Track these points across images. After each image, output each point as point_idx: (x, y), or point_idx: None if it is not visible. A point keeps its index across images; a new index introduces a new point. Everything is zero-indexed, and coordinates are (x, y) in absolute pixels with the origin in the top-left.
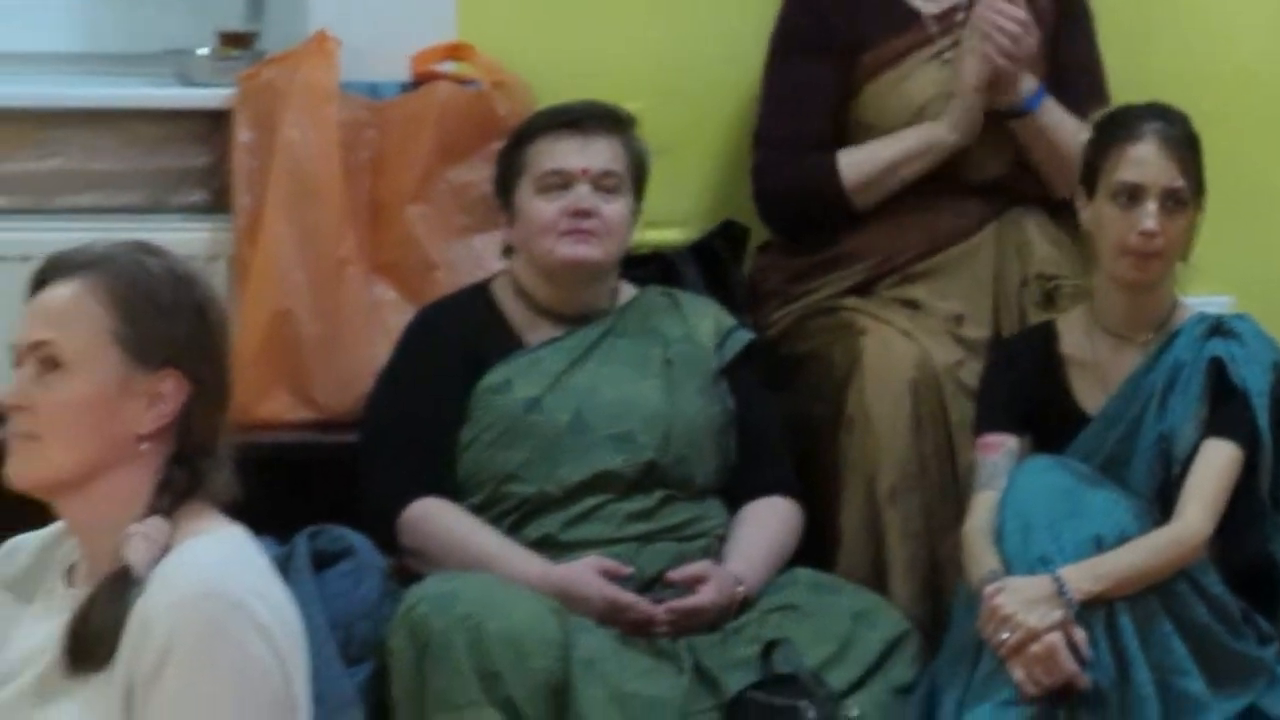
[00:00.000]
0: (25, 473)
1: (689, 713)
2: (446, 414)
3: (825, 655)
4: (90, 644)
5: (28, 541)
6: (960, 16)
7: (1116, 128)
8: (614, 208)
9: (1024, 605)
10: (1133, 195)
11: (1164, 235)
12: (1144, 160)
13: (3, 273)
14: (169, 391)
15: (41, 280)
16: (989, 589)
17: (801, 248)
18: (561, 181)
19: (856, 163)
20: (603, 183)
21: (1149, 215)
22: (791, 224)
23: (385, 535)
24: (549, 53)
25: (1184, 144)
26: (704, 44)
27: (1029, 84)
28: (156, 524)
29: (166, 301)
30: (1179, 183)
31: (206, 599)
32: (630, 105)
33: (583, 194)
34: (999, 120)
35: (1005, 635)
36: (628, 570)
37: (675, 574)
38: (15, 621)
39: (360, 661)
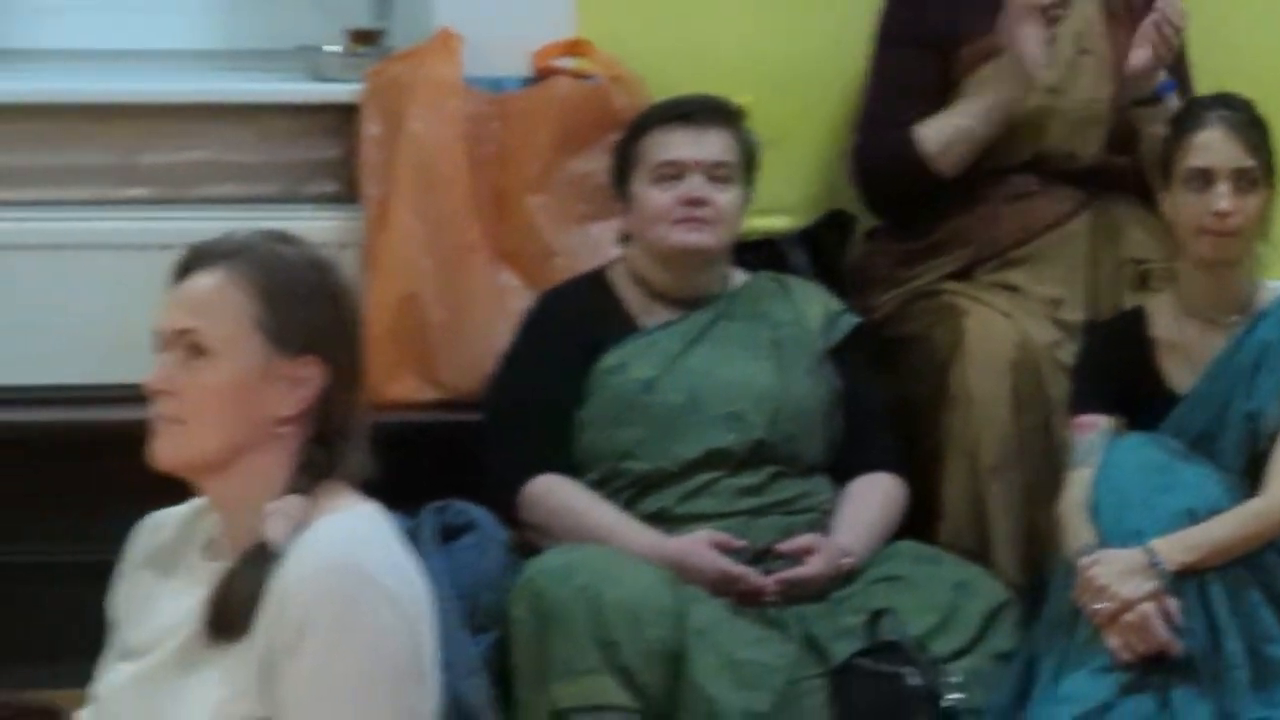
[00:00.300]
0: (170, 454)
1: (797, 679)
2: (565, 394)
3: (928, 624)
4: (230, 616)
5: (169, 516)
6: (1053, 13)
7: (1185, 119)
8: (726, 197)
9: (1118, 576)
10: (1204, 179)
11: (1238, 214)
12: (1211, 145)
13: (144, 261)
14: (308, 376)
15: (185, 269)
16: (1084, 561)
17: (905, 235)
18: (675, 172)
19: (935, 130)
20: (715, 173)
21: (1221, 196)
22: (885, 199)
23: (507, 510)
24: (663, 48)
25: (1250, 126)
26: (811, 39)
27: (1162, 74)
28: (294, 502)
29: (305, 289)
30: (1248, 163)
31: (341, 572)
32: (741, 99)
33: (696, 184)
34: (1116, 108)
35: (1100, 605)
36: (739, 543)
37: (784, 546)
38: (156, 595)
39: (484, 630)
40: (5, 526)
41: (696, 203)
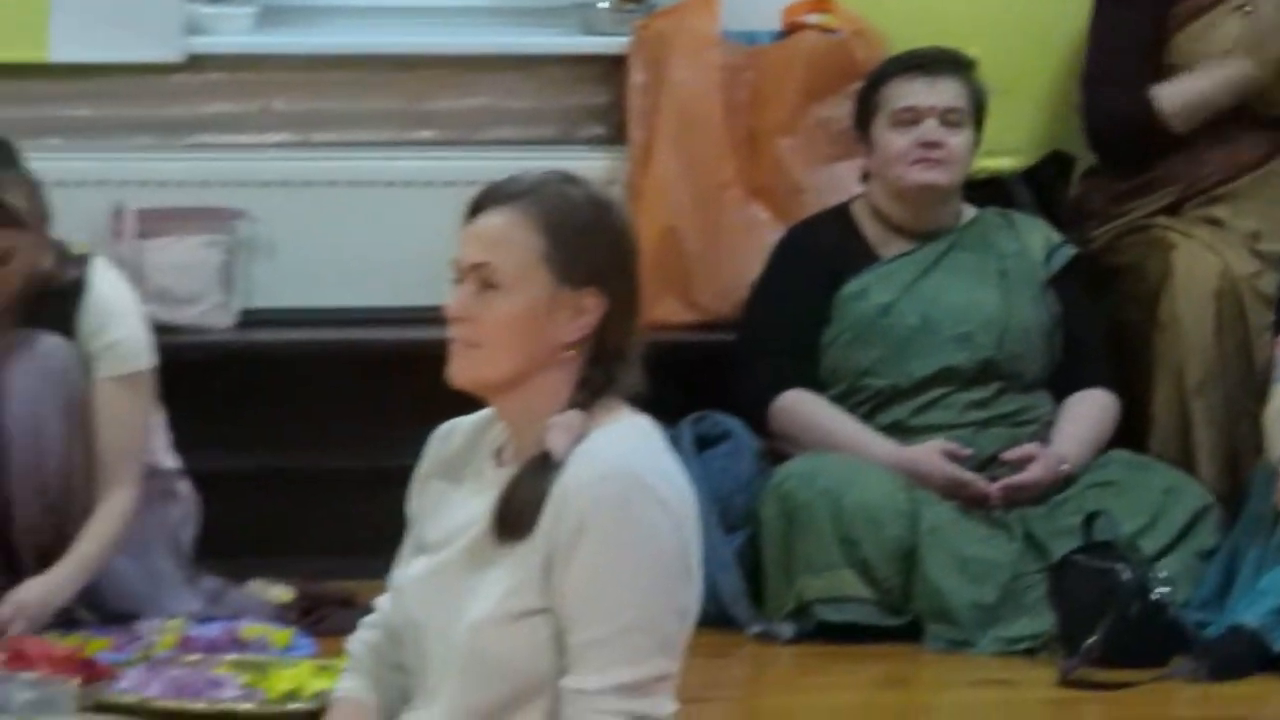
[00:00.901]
0: (466, 374)
1: (1019, 574)
2: (811, 318)
3: (1138, 525)
4: (516, 517)
5: (461, 425)
6: None
7: None
8: (957, 139)
9: None
10: None
11: None
12: None
13: (433, 196)
14: (590, 306)
15: (477, 207)
16: None
17: (1120, 174)
18: (913, 117)
19: (1175, 93)
20: (948, 118)
21: None
22: (1119, 153)
23: (758, 421)
24: (901, 5)
25: None
26: None
27: None
28: (575, 416)
29: (588, 227)
30: None
31: (617, 479)
32: (971, 51)
33: (930, 127)
34: None
35: None
36: (967, 452)
37: (1008, 454)
38: (447, 498)
39: (736, 530)
40: (323, 435)
41: (931, 145)
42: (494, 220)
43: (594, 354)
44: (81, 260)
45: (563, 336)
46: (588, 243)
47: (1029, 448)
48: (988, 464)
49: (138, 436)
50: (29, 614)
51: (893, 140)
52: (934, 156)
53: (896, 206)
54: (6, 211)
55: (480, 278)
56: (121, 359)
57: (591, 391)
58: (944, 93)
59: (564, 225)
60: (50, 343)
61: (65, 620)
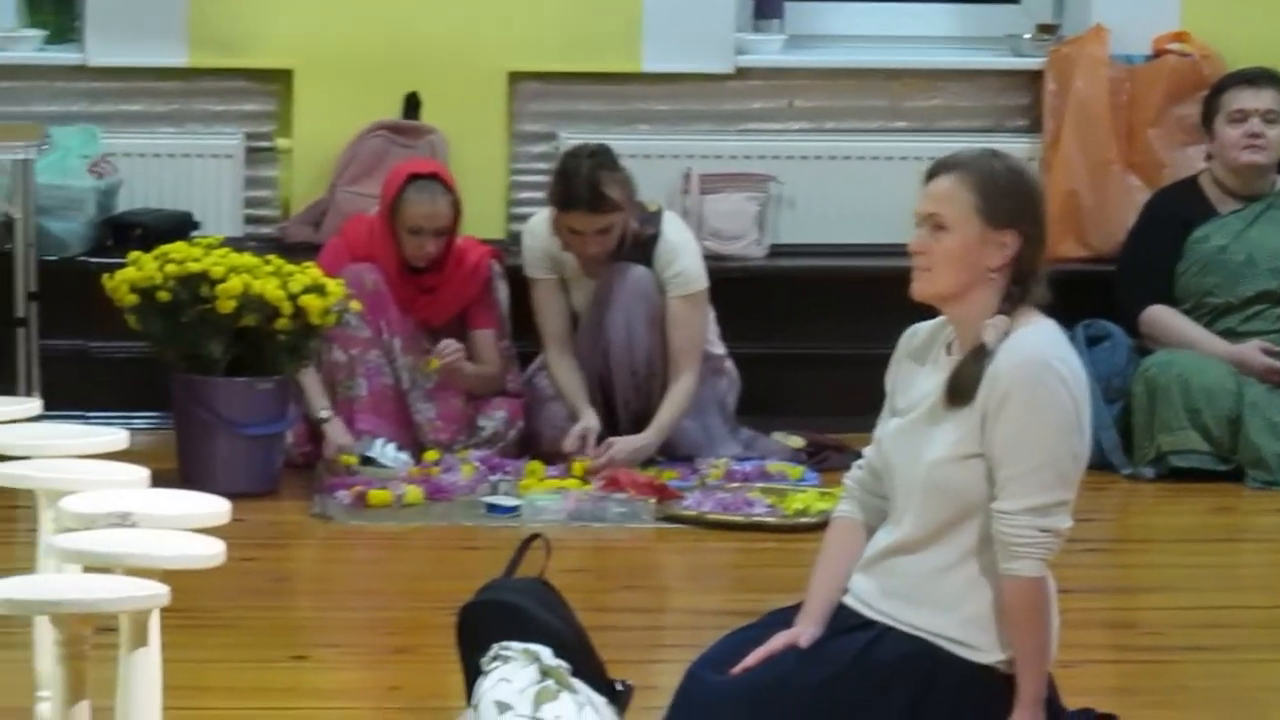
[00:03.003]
0: (923, 291)
1: None
2: (1169, 255)
3: None
4: (961, 389)
5: (923, 326)
6: None
7: None
8: (1274, 132)
9: None
10: None
11: None
12: None
13: (904, 169)
14: (1009, 242)
15: (932, 174)
16: None
17: None
18: (1242, 116)
19: None
20: (1267, 116)
21: None
22: None
23: (1130, 326)
24: (1236, 35)
25: None
26: None
27: None
28: (1001, 319)
29: (1008, 186)
30: None
31: (1032, 363)
32: None
33: (1255, 124)
34: None
35: None
36: (1278, 349)
37: None
38: (913, 375)
39: (1114, 402)
40: (826, 331)
41: (1255, 135)
42: (942, 183)
43: (1013, 276)
44: (656, 215)
45: (989, 264)
46: (1007, 198)
47: None
48: None
49: (699, 337)
50: (623, 458)
51: (1228, 133)
52: (1257, 144)
53: (1230, 178)
54: (610, 201)
55: (932, 223)
56: (685, 284)
57: (1012, 302)
58: (1264, 99)
59: (989, 185)
60: (638, 271)
61: (647, 459)
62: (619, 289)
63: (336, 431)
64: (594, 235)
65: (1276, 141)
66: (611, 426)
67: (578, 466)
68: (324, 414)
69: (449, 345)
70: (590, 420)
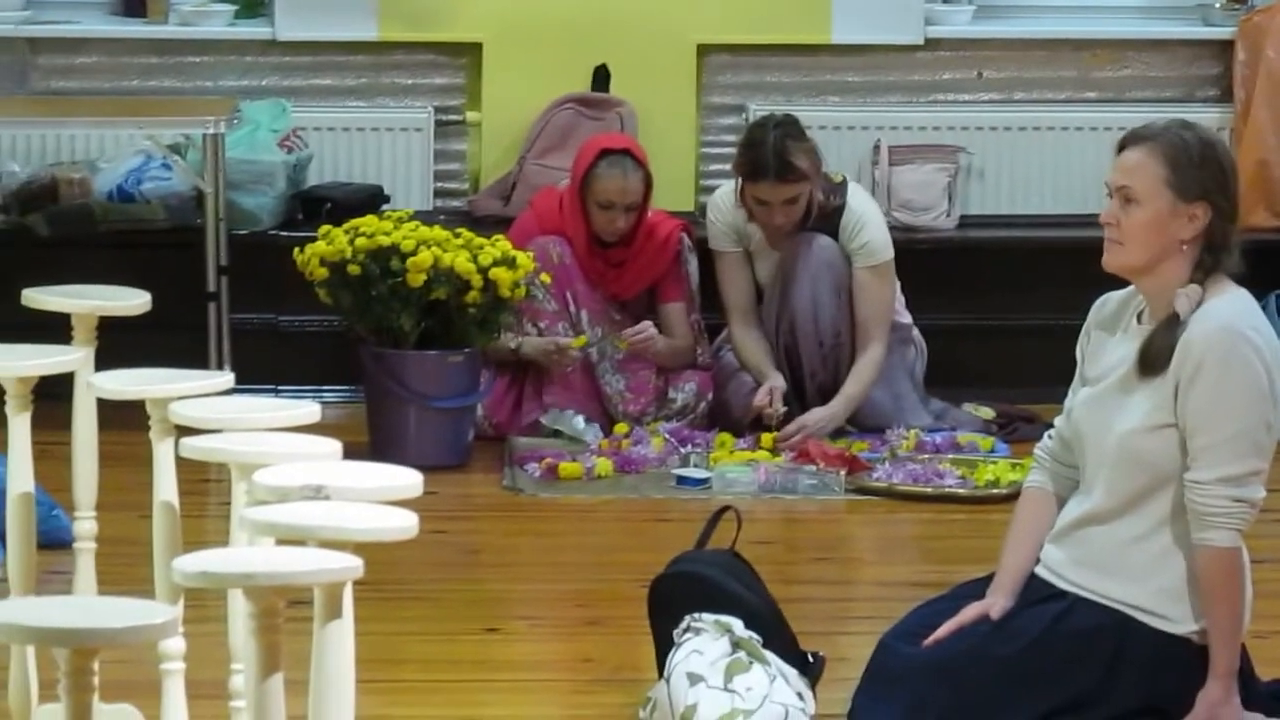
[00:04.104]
0: (1114, 262)
1: None
2: None
3: None
4: (1154, 359)
5: (1114, 296)
6: None
7: None
8: None
9: None
10: None
11: None
12: None
13: (1097, 139)
14: (1200, 214)
15: (1123, 146)
16: None
17: None
18: None
19: None
20: None
21: None
22: None
23: None
24: None
25: None
26: None
27: None
28: (1194, 289)
29: (1199, 159)
30: None
31: (1225, 332)
32: None
33: None
34: None
35: None
36: None
37: None
38: (1104, 345)
39: None
40: (1018, 302)
41: None
42: (1133, 155)
43: (1204, 246)
44: (841, 186)
45: (1180, 235)
46: (1198, 170)
47: None
48: None
49: (886, 307)
50: (812, 430)
51: None
52: None
53: None
54: (798, 171)
55: (1123, 195)
56: (871, 254)
57: (1204, 272)
58: None
59: (1180, 158)
60: (823, 241)
61: (836, 430)
62: (804, 259)
63: (537, 340)
64: (781, 205)
65: None
66: (799, 399)
67: (767, 438)
68: (514, 343)
69: (641, 329)
70: (777, 380)
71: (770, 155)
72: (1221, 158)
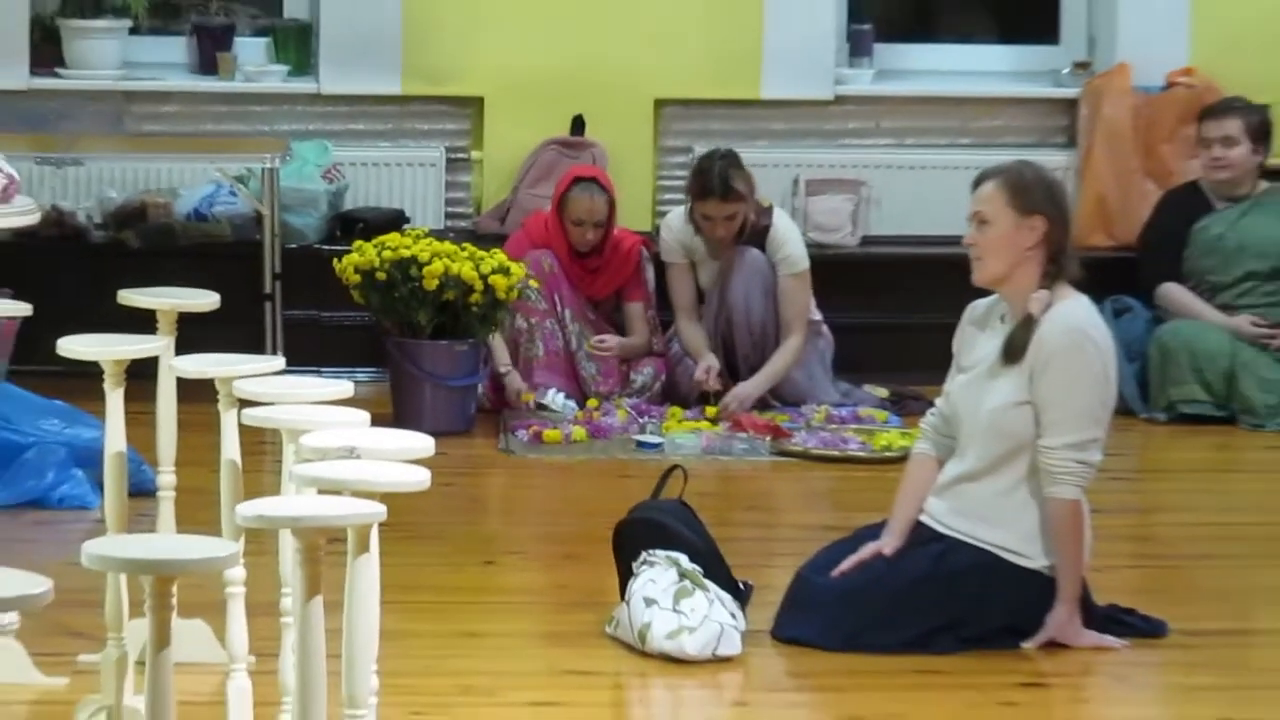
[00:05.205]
0: (979, 276)
1: None
2: (1179, 242)
3: None
4: (1014, 351)
5: (981, 303)
6: None
7: None
8: (1236, 151)
9: None
10: None
11: None
12: None
13: (965, 176)
14: (1038, 225)
15: (978, 181)
16: None
17: None
18: (1208, 143)
19: None
20: (1226, 142)
21: None
22: None
23: (1148, 301)
24: (1231, 72)
25: None
26: None
27: None
28: (1043, 293)
29: (1034, 187)
30: None
31: (1071, 331)
32: (1262, 99)
33: (1216, 150)
34: None
35: None
36: (1265, 321)
37: None
38: (975, 340)
39: (1134, 361)
40: (906, 304)
41: (1217, 159)
42: (984, 188)
43: (1048, 254)
44: (768, 210)
45: (1025, 244)
46: (1031, 190)
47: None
48: (1275, 327)
49: (804, 307)
50: (743, 401)
51: (1201, 155)
52: (1219, 164)
53: (1212, 186)
54: (737, 192)
55: (978, 219)
56: (792, 265)
57: (1050, 278)
58: (1224, 128)
59: (1018, 183)
60: (754, 253)
61: (763, 404)
62: (740, 268)
63: (515, 381)
64: (722, 220)
65: (1239, 158)
66: (733, 376)
67: (710, 411)
68: (504, 369)
69: (603, 339)
70: (713, 360)
71: (716, 179)
72: (1050, 180)
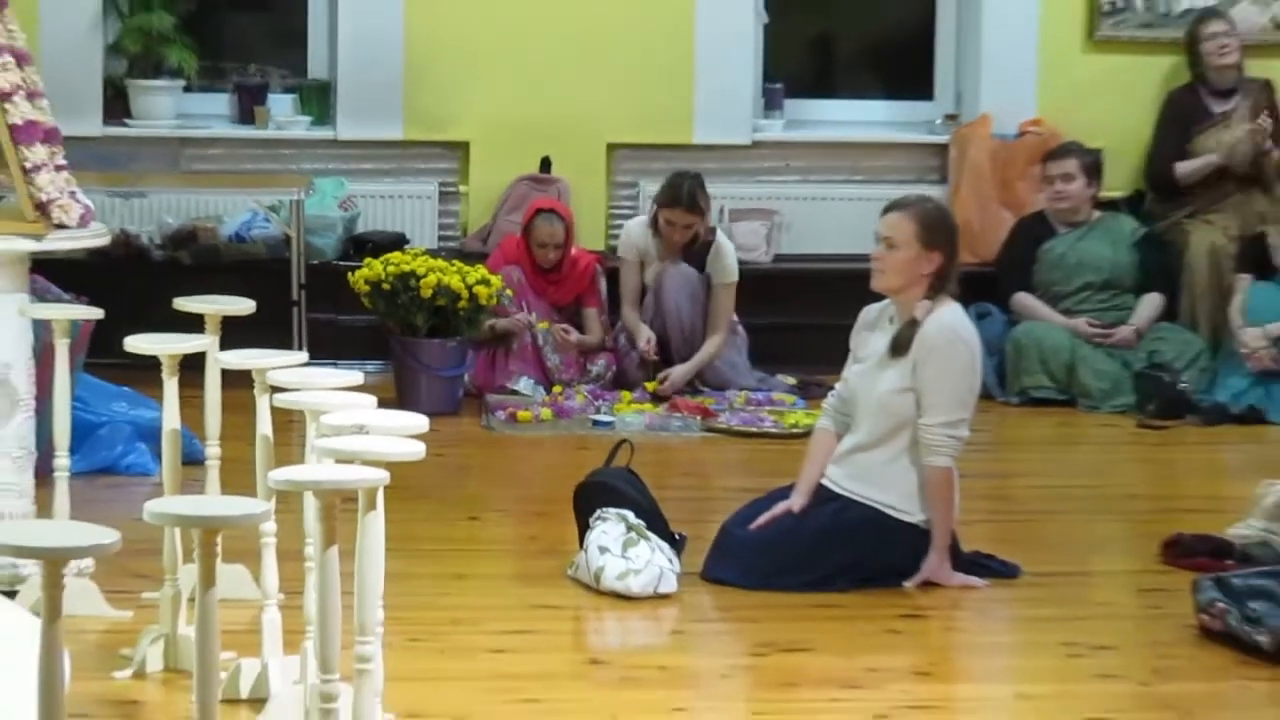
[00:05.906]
0: (879, 285)
1: (1122, 378)
2: (1029, 259)
3: (1175, 355)
4: (900, 346)
5: (873, 307)
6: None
7: None
8: (1073, 185)
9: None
10: None
11: None
12: None
13: (875, 206)
14: (936, 259)
15: (887, 210)
16: (1242, 334)
17: (1163, 200)
18: (1050, 180)
19: (1185, 167)
20: (1065, 178)
21: None
22: (1161, 192)
23: (1005, 306)
24: (1077, 119)
25: None
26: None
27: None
28: (927, 303)
29: (936, 219)
30: None
31: (946, 330)
32: (1095, 144)
33: (1057, 185)
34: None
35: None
36: (1098, 323)
37: (1119, 328)
38: (868, 337)
39: (994, 355)
40: (815, 308)
41: (1058, 192)
42: (894, 216)
43: (937, 278)
44: (714, 229)
45: (922, 271)
46: (937, 229)
47: (1123, 329)
48: (1107, 328)
49: (728, 311)
50: (674, 382)
51: (1046, 189)
52: (1059, 197)
53: (1055, 214)
54: (699, 207)
55: (887, 242)
56: (726, 276)
57: (934, 293)
58: (1063, 166)
59: (928, 220)
60: (687, 269)
61: (694, 390)
62: (673, 279)
63: (505, 321)
64: (681, 228)
65: (1077, 192)
66: (667, 363)
67: (650, 386)
68: (489, 322)
69: (565, 327)
70: (649, 333)
71: (685, 193)
72: (951, 222)
